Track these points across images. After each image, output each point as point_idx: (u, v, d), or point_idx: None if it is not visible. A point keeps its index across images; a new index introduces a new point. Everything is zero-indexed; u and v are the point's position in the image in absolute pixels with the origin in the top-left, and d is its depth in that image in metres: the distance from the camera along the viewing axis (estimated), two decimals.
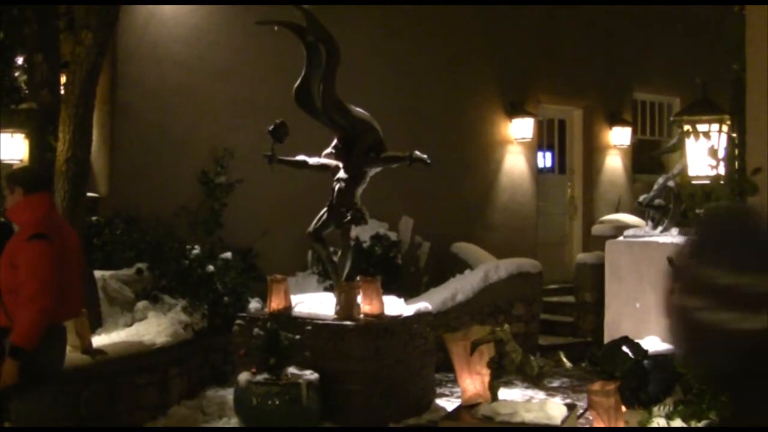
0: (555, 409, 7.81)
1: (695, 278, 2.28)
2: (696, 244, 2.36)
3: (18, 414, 6.80)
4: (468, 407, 8.26)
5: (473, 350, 8.21)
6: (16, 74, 13.31)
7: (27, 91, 12.62)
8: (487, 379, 8.22)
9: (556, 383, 11.83)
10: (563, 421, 7.61)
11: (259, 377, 9.33)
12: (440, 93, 15.94)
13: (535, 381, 8.26)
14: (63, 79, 11.52)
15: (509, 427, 7.52)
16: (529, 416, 7.54)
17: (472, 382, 8.34)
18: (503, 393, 8.50)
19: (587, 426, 8.59)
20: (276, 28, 10.37)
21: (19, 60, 13.30)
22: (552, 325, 15.07)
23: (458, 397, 10.81)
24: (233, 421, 9.81)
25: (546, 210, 17.85)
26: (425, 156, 10.64)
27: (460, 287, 13.34)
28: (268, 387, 9.25)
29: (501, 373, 8.14)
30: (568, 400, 10.52)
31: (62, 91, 11.11)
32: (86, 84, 10.36)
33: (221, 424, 9.97)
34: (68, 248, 6.88)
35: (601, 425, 7.30)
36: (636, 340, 7.88)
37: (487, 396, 8.16)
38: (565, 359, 8.63)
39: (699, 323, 2.28)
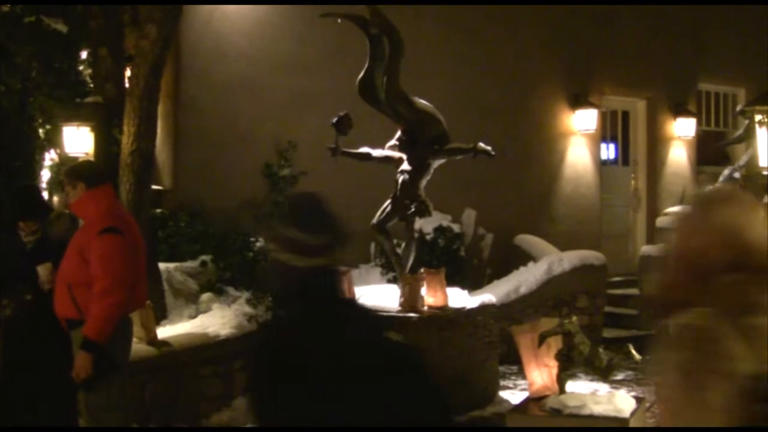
0: (624, 401, 7.73)
1: (276, 233, 3.44)
2: (283, 214, 3.56)
3: (86, 405, 6.85)
4: (535, 400, 8.18)
5: (541, 342, 8.14)
6: (81, 68, 13.43)
7: (92, 85, 12.73)
8: (554, 371, 8.14)
9: (620, 376, 11.71)
10: (632, 414, 7.52)
11: None
12: (503, 85, 15.86)
13: (603, 373, 8.18)
14: (127, 73, 11.61)
15: (578, 421, 7.47)
16: (598, 409, 7.46)
17: (540, 374, 8.27)
18: (568, 385, 8.43)
19: (654, 420, 8.51)
20: (340, 20, 10.37)
21: (84, 54, 13.43)
22: (616, 317, 14.94)
23: (522, 390, 10.77)
24: None
25: (609, 202, 17.71)
26: (489, 147, 10.59)
27: (523, 279, 13.28)
28: None
29: (569, 366, 8.06)
30: (633, 393, 10.42)
31: (127, 85, 11.20)
32: (151, 77, 10.41)
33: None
34: (136, 240, 6.92)
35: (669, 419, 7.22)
36: None
37: (554, 388, 8.08)
38: (634, 351, 8.53)
39: (274, 260, 3.50)
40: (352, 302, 3.92)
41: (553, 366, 8.25)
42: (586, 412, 7.49)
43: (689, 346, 2.53)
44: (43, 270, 7.21)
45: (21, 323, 7.42)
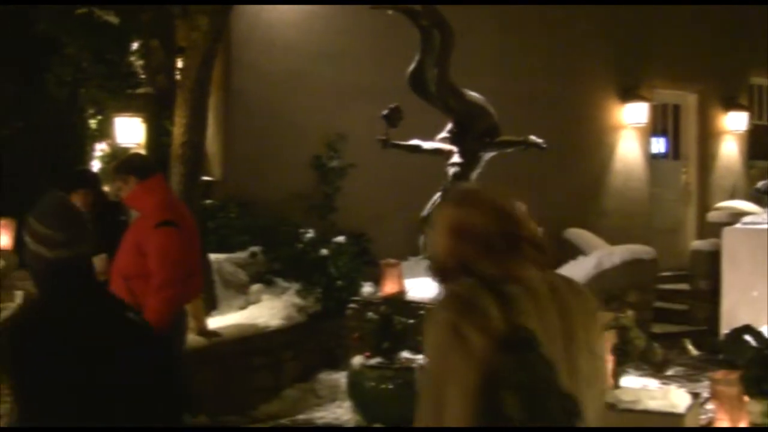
0: (679, 397, 7.65)
1: (30, 228, 3.83)
2: (36, 212, 3.89)
3: None
4: None
5: None
6: (132, 60, 13.51)
7: (143, 76, 12.80)
8: (609, 365, 8.08)
9: (670, 371, 11.62)
10: (687, 410, 7.45)
11: (373, 361, 9.30)
12: (553, 77, 15.76)
13: (659, 368, 8.12)
14: (179, 64, 11.65)
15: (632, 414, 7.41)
16: (653, 404, 7.38)
17: None
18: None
19: (709, 415, 8.42)
20: (390, 11, 10.35)
21: (135, 46, 13.50)
22: (666, 312, 14.80)
23: None
24: (346, 405, 9.83)
25: (660, 196, 17.57)
26: (541, 140, 10.55)
27: (572, 273, 13.03)
28: (381, 371, 9.22)
29: (624, 360, 8.00)
30: (685, 389, 10.33)
31: (178, 76, 11.23)
32: (202, 69, 10.42)
33: (333, 407, 10.00)
34: (191, 231, 6.92)
35: (723, 415, 7.14)
36: (758, 329, 7.70)
37: (609, 383, 8.02)
38: (690, 347, 8.46)
39: (29, 251, 3.86)
40: (94, 286, 4.15)
41: (608, 360, 8.19)
42: (640, 407, 7.42)
43: (455, 308, 3.02)
44: (99, 262, 7.01)
45: None
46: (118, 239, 6.98)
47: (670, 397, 7.62)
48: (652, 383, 10.48)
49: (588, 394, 3.13)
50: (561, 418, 2.92)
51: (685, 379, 11.42)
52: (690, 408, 7.56)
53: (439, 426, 3.02)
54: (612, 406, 7.48)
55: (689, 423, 7.51)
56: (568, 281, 3.33)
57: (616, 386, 7.99)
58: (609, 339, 8.00)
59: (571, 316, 3.16)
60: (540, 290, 3.12)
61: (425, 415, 3.08)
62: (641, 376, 10.61)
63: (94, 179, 7.86)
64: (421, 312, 9.77)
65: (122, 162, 7.29)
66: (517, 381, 2.90)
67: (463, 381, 2.94)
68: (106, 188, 11.75)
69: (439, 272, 3.26)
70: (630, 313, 8.23)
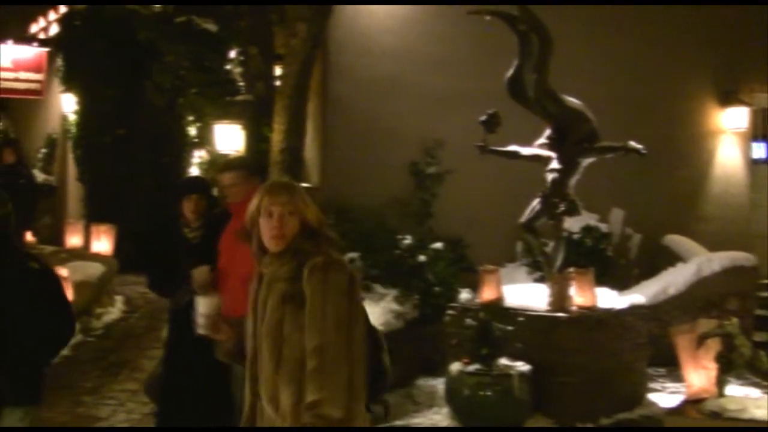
0: None
1: None
2: None
3: None
4: (692, 402, 8.03)
5: (700, 344, 7.99)
6: (230, 67, 13.65)
7: (241, 83, 12.94)
8: (713, 373, 7.99)
9: None
10: None
11: (471, 368, 9.29)
12: (651, 82, 15.61)
13: (766, 376, 8.00)
14: (277, 71, 11.76)
15: (738, 424, 7.31)
16: (760, 413, 7.29)
17: (698, 376, 8.11)
18: None
19: None
20: (488, 17, 10.32)
21: (233, 53, 13.65)
22: (767, 320, 14.56)
23: (671, 393, 10.60)
24: (444, 411, 9.81)
25: (760, 202, 17.26)
26: (640, 146, 10.44)
27: (671, 280, 13.05)
28: (479, 377, 9.21)
29: (729, 368, 7.90)
30: None
31: (277, 83, 11.34)
32: (301, 76, 10.53)
33: (431, 413, 9.98)
34: None
35: None
36: None
37: (713, 391, 7.92)
38: None
39: None
40: (7, 245, 5.74)
41: (712, 368, 8.09)
42: (747, 416, 7.33)
43: (351, 269, 4.21)
44: (199, 274, 6.87)
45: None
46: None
47: None
48: (753, 392, 10.33)
49: None
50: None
51: None
52: None
53: (352, 353, 4.01)
54: (717, 415, 7.39)
55: None
56: None
57: (721, 395, 7.89)
58: (713, 347, 7.91)
59: None
60: None
61: (338, 350, 4.01)
62: (743, 384, 10.47)
63: (205, 185, 7.80)
64: (521, 319, 9.74)
65: (244, 161, 7.23)
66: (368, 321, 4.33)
67: (362, 322, 4.15)
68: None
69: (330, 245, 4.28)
70: (734, 320, 8.12)
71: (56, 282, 5.98)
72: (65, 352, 12.02)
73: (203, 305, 5.26)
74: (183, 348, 7.11)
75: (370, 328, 4.38)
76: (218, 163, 14.46)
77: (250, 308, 4.36)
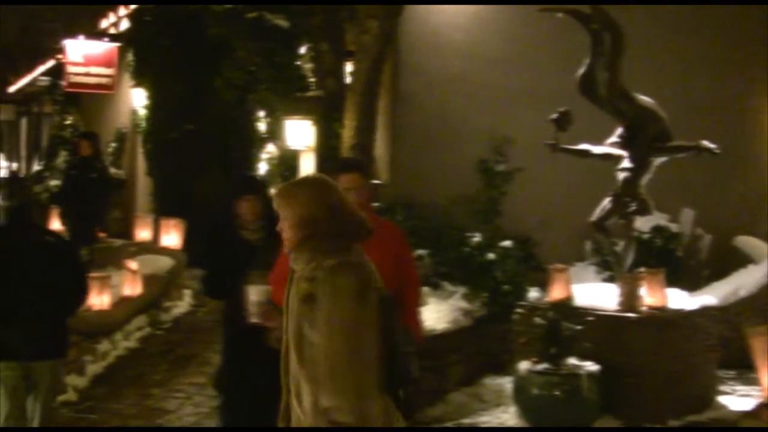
0: None
1: None
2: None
3: None
4: None
5: None
6: (300, 63, 13.71)
7: (312, 79, 12.99)
8: None
9: None
10: None
11: (539, 367, 9.25)
12: (722, 81, 15.40)
13: None
14: (348, 68, 11.79)
15: None
16: None
17: None
18: None
19: None
20: (559, 14, 10.28)
21: (303, 49, 13.70)
22: None
23: (741, 396, 10.47)
24: (511, 410, 9.78)
25: None
26: (713, 145, 10.34)
27: (742, 282, 12.88)
28: (548, 377, 9.17)
29: None
30: None
31: (348, 80, 11.37)
32: (372, 72, 10.56)
33: (498, 412, 9.96)
34: None
35: None
36: None
37: None
38: None
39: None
40: (29, 220, 7.30)
41: None
42: None
43: (357, 275, 4.17)
44: (262, 294, 5.75)
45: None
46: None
47: None
48: None
49: None
50: (407, 345, 4.37)
51: None
52: None
53: (360, 359, 4.08)
54: None
55: None
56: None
57: None
58: None
59: None
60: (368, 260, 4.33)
61: (344, 355, 4.07)
62: None
63: (261, 186, 7.58)
64: (590, 318, 9.69)
65: (361, 160, 6.81)
66: (388, 322, 4.19)
67: (374, 326, 4.11)
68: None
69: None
70: None
71: (69, 252, 7.39)
72: (133, 344, 12.25)
73: (255, 293, 5.29)
74: (239, 339, 6.97)
75: (391, 331, 4.30)
76: (286, 159, 14.58)
77: (284, 302, 4.45)
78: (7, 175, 32.80)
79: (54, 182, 21.29)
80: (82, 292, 7.53)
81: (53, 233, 7.21)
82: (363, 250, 4.33)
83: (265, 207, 7.08)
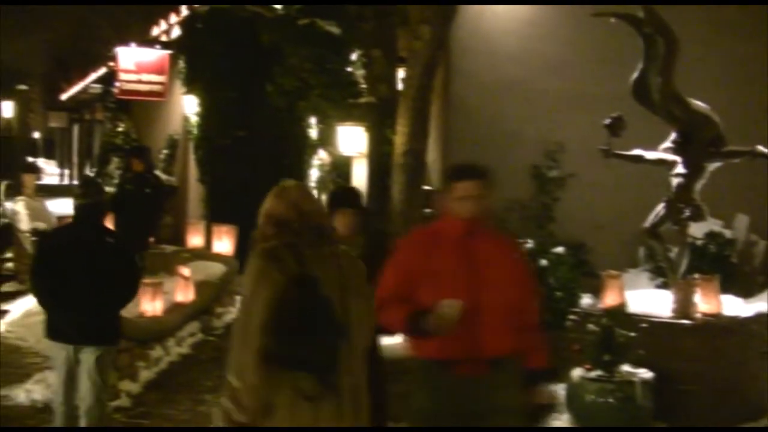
0: None
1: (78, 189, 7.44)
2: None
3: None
4: None
5: None
6: (351, 69, 13.73)
7: (364, 86, 13.00)
8: None
9: None
10: None
11: (593, 374, 9.19)
12: None
13: None
14: (400, 74, 11.79)
15: None
16: None
17: None
18: None
19: None
20: (613, 19, 10.23)
21: (354, 56, 13.72)
22: None
23: None
24: (564, 417, 9.72)
25: None
26: None
27: None
28: (601, 384, 9.11)
29: None
30: None
31: (400, 86, 11.37)
32: (424, 78, 10.54)
33: (551, 419, 9.89)
34: None
35: None
36: None
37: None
38: None
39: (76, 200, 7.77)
40: (97, 220, 8.01)
41: None
42: None
43: (263, 257, 4.73)
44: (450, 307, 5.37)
45: None
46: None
47: None
48: None
49: (358, 329, 4.78)
50: (330, 334, 4.59)
51: None
52: None
53: (247, 329, 4.61)
54: None
55: None
56: (346, 252, 5.02)
57: None
58: None
59: (346, 272, 4.85)
60: (325, 254, 4.83)
61: (239, 324, 4.72)
62: None
63: (359, 199, 7.14)
64: (644, 325, 9.62)
65: (483, 167, 6.03)
66: (299, 305, 4.56)
67: (264, 299, 4.58)
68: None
69: (257, 238, 4.89)
70: None
71: (125, 253, 8.15)
72: (186, 350, 12.29)
73: (451, 307, 5.17)
74: None
75: (307, 310, 4.64)
76: (338, 166, 14.60)
77: None
78: (82, 179, 33.15)
79: (107, 188, 21.45)
80: (133, 289, 8.33)
81: (114, 235, 8.16)
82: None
83: (361, 221, 6.81)
